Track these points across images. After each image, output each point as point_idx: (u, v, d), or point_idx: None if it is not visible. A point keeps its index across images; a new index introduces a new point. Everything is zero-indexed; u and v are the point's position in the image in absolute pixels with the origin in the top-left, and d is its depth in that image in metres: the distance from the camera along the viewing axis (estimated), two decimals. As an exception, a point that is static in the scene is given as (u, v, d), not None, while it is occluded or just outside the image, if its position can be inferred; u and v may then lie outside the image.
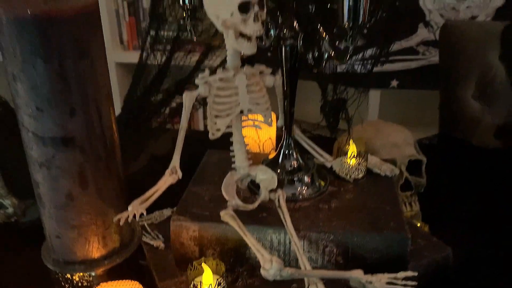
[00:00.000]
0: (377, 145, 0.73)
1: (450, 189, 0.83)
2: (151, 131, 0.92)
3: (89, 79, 0.44)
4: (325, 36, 0.53)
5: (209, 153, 0.70)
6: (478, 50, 1.22)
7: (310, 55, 0.53)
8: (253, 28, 0.48)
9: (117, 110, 1.81)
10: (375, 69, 1.73)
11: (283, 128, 0.61)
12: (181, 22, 0.53)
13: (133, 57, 1.84)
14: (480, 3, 1.55)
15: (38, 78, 0.42)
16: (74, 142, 0.45)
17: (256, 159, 0.59)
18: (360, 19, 0.49)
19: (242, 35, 0.48)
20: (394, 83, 1.69)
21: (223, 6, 0.48)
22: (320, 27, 0.52)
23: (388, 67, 1.68)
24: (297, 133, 0.63)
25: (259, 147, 0.76)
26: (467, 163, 0.95)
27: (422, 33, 1.62)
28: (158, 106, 0.87)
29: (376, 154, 0.72)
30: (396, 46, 1.65)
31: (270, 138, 0.76)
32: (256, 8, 0.48)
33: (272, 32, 0.53)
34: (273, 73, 0.55)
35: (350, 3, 0.48)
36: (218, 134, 0.53)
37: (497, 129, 1.20)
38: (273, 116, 0.63)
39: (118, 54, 1.85)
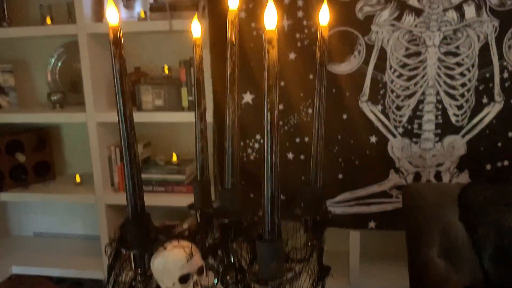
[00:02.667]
0: None
1: None
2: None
3: None
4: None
5: None
6: (438, 211, 1.30)
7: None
8: (192, 293, 0.55)
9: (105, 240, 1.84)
10: (352, 211, 1.82)
11: None
12: (133, 283, 0.60)
13: (123, 199, 1.95)
14: (445, 152, 1.67)
15: None
16: None
17: None
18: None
19: (184, 294, 0.55)
20: (372, 224, 1.76)
21: (167, 277, 0.55)
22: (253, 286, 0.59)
23: (365, 209, 1.76)
24: None
25: None
26: None
27: (394, 178, 1.72)
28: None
29: None
30: (370, 190, 1.74)
31: None
32: (195, 276, 0.55)
33: (215, 281, 0.60)
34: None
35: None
36: None
37: (465, 288, 1.24)
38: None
39: (109, 196, 1.95)
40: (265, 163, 0.47)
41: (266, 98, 0.45)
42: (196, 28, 0.64)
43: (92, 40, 1.82)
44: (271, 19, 0.43)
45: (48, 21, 1.94)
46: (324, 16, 0.57)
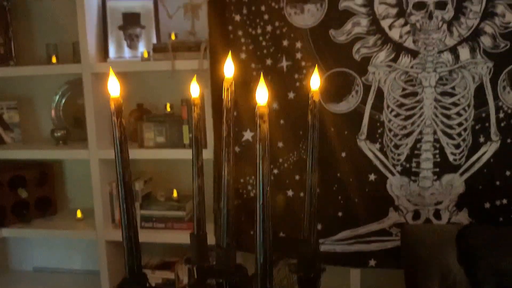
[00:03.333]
0: None
1: None
2: None
3: None
4: None
5: None
6: (437, 253, 1.30)
7: None
8: None
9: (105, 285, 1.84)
10: (353, 249, 1.82)
11: None
12: None
13: (123, 236, 1.95)
14: (443, 190, 1.68)
15: None
16: None
17: None
18: None
19: None
20: (372, 262, 1.75)
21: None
22: None
23: (365, 247, 1.75)
24: None
25: None
26: None
27: (393, 216, 1.72)
28: None
29: None
30: (370, 227, 1.74)
31: None
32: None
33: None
34: None
35: None
36: None
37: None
38: None
39: (109, 233, 1.96)
40: (257, 234, 0.49)
41: (259, 171, 0.47)
42: (195, 89, 0.66)
43: (96, 79, 1.86)
44: (262, 95, 0.46)
45: (54, 59, 1.99)
46: (315, 81, 0.60)
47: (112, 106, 0.50)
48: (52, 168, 2.19)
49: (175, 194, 2.00)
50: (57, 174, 2.23)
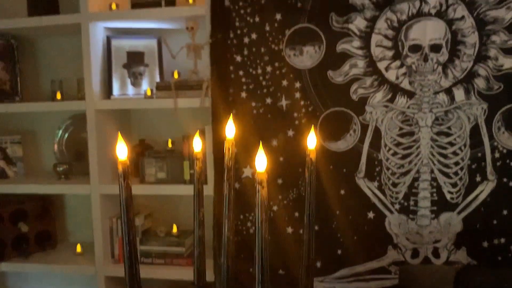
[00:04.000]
0: None
1: None
2: None
3: None
4: None
5: None
6: (436, 295, 1.31)
7: None
8: None
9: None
10: (352, 287, 1.81)
11: None
12: None
13: (122, 271, 1.95)
14: (441, 229, 1.69)
15: None
16: None
17: None
18: None
19: None
20: (371, 300, 1.75)
21: None
22: None
23: (364, 285, 1.75)
24: None
25: None
26: None
27: (392, 254, 1.73)
28: None
29: None
30: (369, 266, 1.75)
31: None
32: None
33: None
34: None
35: None
36: None
37: None
38: None
39: (109, 268, 1.96)
40: (257, 273, 0.50)
41: (258, 233, 0.49)
42: (197, 143, 0.69)
43: (100, 115, 1.90)
44: (261, 163, 0.48)
45: (58, 95, 2.04)
46: (312, 141, 0.63)
47: (120, 169, 0.53)
48: (53, 202, 2.21)
49: (174, 229, 2.01)
50: (58, 208, 2.24)
